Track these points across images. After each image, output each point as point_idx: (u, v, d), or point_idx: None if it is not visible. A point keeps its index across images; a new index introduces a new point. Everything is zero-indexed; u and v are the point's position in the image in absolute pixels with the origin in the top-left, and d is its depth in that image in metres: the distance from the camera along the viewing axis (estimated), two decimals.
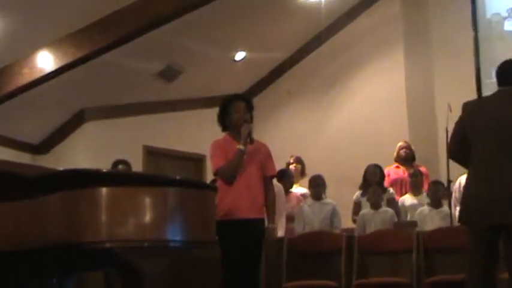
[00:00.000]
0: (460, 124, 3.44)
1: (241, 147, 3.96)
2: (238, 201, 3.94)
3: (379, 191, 5.87)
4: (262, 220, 4.07)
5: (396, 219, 5.75)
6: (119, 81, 7.18)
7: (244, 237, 3.93)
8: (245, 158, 3.99)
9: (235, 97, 4.19)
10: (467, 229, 3.32)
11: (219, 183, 4.02)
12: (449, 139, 3.57)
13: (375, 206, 5.81)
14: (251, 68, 8.31)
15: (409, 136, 7.27)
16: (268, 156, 4.18)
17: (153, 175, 3.70)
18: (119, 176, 3.10)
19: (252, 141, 4.00)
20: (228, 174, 3.97)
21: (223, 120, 4.15)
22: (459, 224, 3.53)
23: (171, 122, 8.08)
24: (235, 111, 4.09)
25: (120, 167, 5.76)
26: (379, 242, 5.21)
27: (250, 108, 4.16)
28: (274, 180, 5.89)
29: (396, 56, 7.72)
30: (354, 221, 6.12)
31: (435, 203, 5.71)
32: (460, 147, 3.42)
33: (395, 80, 7.64)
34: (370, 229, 5.65)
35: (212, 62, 7.71)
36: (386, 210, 5.80)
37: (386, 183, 6.36)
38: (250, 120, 4.11)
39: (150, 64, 7.28)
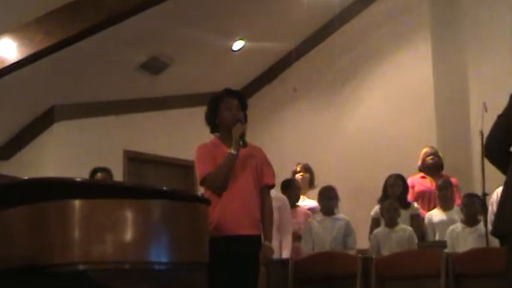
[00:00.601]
0: (505, 117, 3.23)
1: (232, 151, 3.95)
2: (228, 214, 3.93)
3: (395, 204, 5.86)
4: (258, 237, 4.05)
5: (416, 240, 5.74)
6: (95, 75, 7.17)
7: (237, 258, 3.92)
8: (237, 164, 3.98)
9: (226, 93, 4.18)
10: (506, 241, 3.21)
11: (206, 194, 4.00)
12: (485, 138, 3.45)
13: (391, 223, 5.81)
14: (251, 60, 8.30)
15: (437, 141, 7.27)
16: (264, 162, 4.18)
17: (135, 185, 3.69)
18: (95, 186, 3.10)
19: (245, 144, 3.99)
20: (217, 183, 3.95)
21: (213, 120, 4.14)
22: (497, 245, 3.48)
23: (156, 123, 8.08)
24: (226, 109, 4.08)
25: (99, 175, 5.76)
26: (401, 265, 5.18)
27: (243, 106, 4.15)
28: (279, 193, 6.00)
29: (422, 47, 7.72)
30: None
31: (470, 220, 5.69)
32: (501, 147, 3.28)
33: (421, 74, 7.64)
34: (385, 251, 5.65)
35: (205, 52, 7.71)
36: (404, 228, 5.79)
37: (410, 196, 6.35)
38: (244, 120, 4.10)
39: (133, 55, 7.27)
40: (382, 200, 6.18)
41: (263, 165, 4.13)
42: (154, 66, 7.53)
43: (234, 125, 3.99)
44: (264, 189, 4.13)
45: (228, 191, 3.96)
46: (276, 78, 8.77)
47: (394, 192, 6.13)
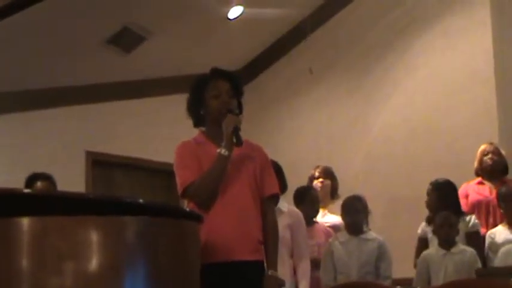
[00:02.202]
0: None
1: (222, 151, 3.94)
2: (220, 235, 3.91)
3: (453, 218, 5.86)
4: (260, 264, 4.05)
5: (480, 264, 5.73)
6: (47, 53, 7.17)
7: None
8: (229, 168, 3.97)
9: (213, 74, 4.16)
10: None
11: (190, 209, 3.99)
12: None
13: (446, 243, 5.80)
14: (252, 31, 8.31)
15: (499, 136, 7.28)
16: (266, 164, 4.17)
17: (101, 197, 3.67)
18: (49, 199, 3.07)
19: (239, 142, 3.98)
20: (202, 194, 3.95)
21: (196, 111, 4.14)
22: None
23: (129, 115, 8.10)
24: (214, 95, 4.07)
25: (39, 184, 5.76)
26: None
27: (237, 92, 4.15)
28: (291, 206, 6.00)
29: (479, 13, 7.74)
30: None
31: None
32: None
33: (477, 49, 7.67)
34: (438, 279, 5.63)
35: (192, 21, 7.73)
36: (464, 249, 5.80)
37: (463, 207, 6.34)
38: (239, 110, 4.09)
39: (97, 26, 7.28)
40: (430, 216, 6.18)
41: (264, 170, 4.13)
42: (125, 40, 7.55)
43: (224, 116, 3.97)
44: (266, 202, 4.12)
45: (218, 204, 3.96)
46: (285, 55, 8.80)
47: (429, 204, 6.14)
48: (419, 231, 6.24)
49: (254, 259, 4.00)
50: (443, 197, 6.18)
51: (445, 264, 5.73)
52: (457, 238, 5.96)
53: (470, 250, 5.81)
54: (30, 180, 5.83)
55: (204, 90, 4.09)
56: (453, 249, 5.79)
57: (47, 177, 5.86)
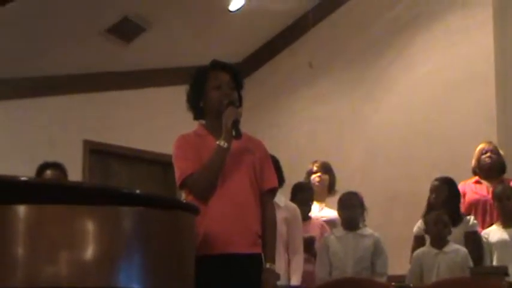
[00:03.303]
0: None
1: (221, 143, 3.94)
2: (217, 227, 3.91)
3: (445, 217, 5.87)
4: (259, 257, 4.05)
5: (471, 263, 5.74)
6: (46, 41, 7.16)
7: (230, 283, 3.91)
8: (228, 161, 3.97)
9: (214, 66, 4.15)
10: None
11: (187, 201, 3.98)
12: None
13: (439, 242, 5.81)
14: (253, 24, 8.30)
15: (498, 135, 7.28)
16: (265, 158, 4.17)
17: (98, 187, 3.67)
18: (45, 188, 3.07)
19: (238, 134, 3.98)
20: (202, 186, 3.94)
21: (196, 103, 4.13)
22: None
23: (127, 106, 8.09)
24: (215, 87, 4.06)
25: (49, 172, 5.75)
26: None
27: (238, 84, 4.15)
28: (287, 200, 6.00)
29: (481, 12, 7.74)
30: None
31: None
32: None
33: (478, 48, 7.66)
34: (430, 278, 5.65)
35: (193, 12, 7.72)
36: (456, 249, 5.80)
37: (462, 207, 6.34)
38: (239, 103, 4.09)
39: (97, 15, 7.26)
40: (427, 213, 6.18)
41: (263, 163, 4.13)
42: (125, 30, 7.54)
43: (224, 108, 3.98)
44: (265, 196, 4.13)
45: (217, 196, 3.95)
46: (285, 49, 8.79)
47: (437, 200, 6.12)
48: (414, 229, 6.23)
49: (252, 252, 4.00)
50: (453, 192, 6.19)
51: (438, 263, 5.73)
52: (456, 238, 5.96)
53: (462, 250, 5.80)
54: (41, 169, 5.80)
55: (205, 82, 4.08)
56: (445, 248, 5.79)
57: (57, 166, 5.83)
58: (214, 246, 3.88)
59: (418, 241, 6.14)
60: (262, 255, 4.05)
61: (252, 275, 3.97)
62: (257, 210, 4.05)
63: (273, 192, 4.21)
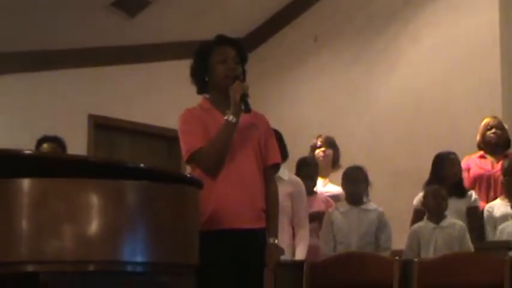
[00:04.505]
0: None
1: (230, 117, 3.92)
2: (225, 203, 3.92)
3: (443, 192, 5.87)
4: (263, 232, 4.06)
5: (468, 238, 5.75)
6: (50, 14, 7.14)
7: (236, 257, 3.93)
8: (235, 136, 3.96)
9: (219, 41, 4.14)
10: None
11: (194, 175, 3.98)
12: None
13: (437, 216, 5.81)
14: None
15: (503, 109, 7.26)
16: (269, 134, 4.17)
17: (103, 161, 3.68)
18: (49, 161, 3.08)
19: (248, 108, 3.97)
20: (211, 161, 3.94)
21: (201, 77, 4.12)
22: None
23: (132, 80, 8.07)
24: (220, 61, 4.05)
25: (45, 146, 5.74)
26: (451, 271, 5.21)
27: (242, 58, 4.14)
28: (293, 175, 6.00)
29: None
30: None
31: None
32: None
33: (483, 22, 7.62)
34: (428, 253, 5.68)
35: None
36: (453, 223, 5.80)
37: (465, 181, 6.35)
38: (243, 75, 4.08)
39: None
40: (428, 184, 6.19)
41: (268, 139, 4.13)
42: (129, 4, 7.50)
43: (230, 82, 3.97)
44: (269, 171, 4.14)
45: (224, 172, 3.95)
46: (290, 23, 8.75)
47: (454, 174, 6.12)
48: (414, 202, 6.23)
49: (257, 227, 4.01)
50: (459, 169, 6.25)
51: (435, 237, 5.74)
52: (452, 213, 5.97)
53: (459, 224, 5.80)
54: (39, 143, 5.80)
55: (209, 56, 4.07)
56: (442, 223, 5.80)
57: (54, 140, 5.81)
58: (221, 222, 3.90)
59: (418, 215, 6.15)
60: (266, 229, 4.06)
61: (257, 250, 4.00)
62: (262, 185, 4.06)
63: (276, 167, 4.21)
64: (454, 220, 5.84)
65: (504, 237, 5.69)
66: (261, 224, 4.04)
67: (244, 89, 3.95)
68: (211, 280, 3.82)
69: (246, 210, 3.96)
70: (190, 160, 4.01)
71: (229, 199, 3.92)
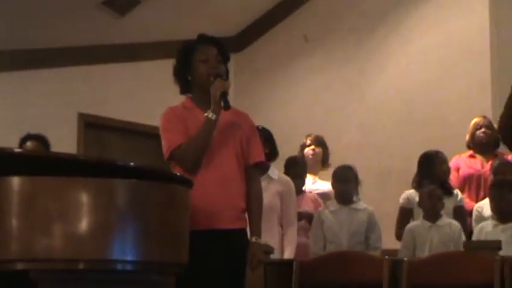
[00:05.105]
0: None
1: (210, 114, 3.92)
2: (204, 202, 3.87)
3: (439, 191, 5.88)
4: (243, 232, 4.05)
5: (463, 237, 5.77)
6: (40, 13, 7.12)
7: (216, 258, 3.91)
8: (216, 135, 3.95)
9: (200, 40, 4.14)
10: None
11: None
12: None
13: (433, 215, 5.82)
14: None
15: (492, 109, 7.26)
16: (252, 132, 4.15)
17: (93, 159, 3.66)
18: (39, 160, 3.07)
19: (227, 105, 3.97)
20: (189, 158, 3.92)
21: (183, 76, 4.13)
22: None
23: (121, 78, 8.06)
24: (202, 61, 4.05)
25: (29, 144, 5.73)
26: (440, 271, 5.20)
27: (224, 56, 4.13)
28: (281, 173, 6.00)
29: None
30: (400, 237, 6.14)
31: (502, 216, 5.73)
32: None
33: (473, 22, 7.64)
34: (423, 252, 5.68)
35: None
36: (449, 223, 5.82)
37: (454, 181, 6.35)
38: (226, 75, 4.08)
39: None
40: (417, 184, 6.19)
41: (250, 137, 4.11)
42: (119, 3, 7.49)
43: (212, 81, 3.97)
44: (251, 170, 4.11)
45: (203, 170, 3.93)
46: (279, 22, 8.75)
47: (444, 173, 6.13)
48: (401, 201, 6.24)
49: (237, 227, 4.00)
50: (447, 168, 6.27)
51: (431, 237, 5.75)
52: (449, 211, 5.99)
53: (455, 223, 5.82)
54: (23, 141, 5.79)
55: (191, 55, 4.08)
56: (438, 222, 5.81)
57: (38, 138, 5.80)
58: (199, 222, 3.82)
59: (404, 214, 6.18)
60: (248, 229, 4.05)
61: (238, 250, 3.98)
62: (242, 185, 4.04)
63: (259, 166, 4.18)
64: (449, 220, 5.85)
65: (482, 237, 5.68)
66: (242, 225, 4.03)
67: (225, 86, 3.95)
68: (191, 281, 3.77)
69: (225, 210, 3.94)
70: (171, 158, 4.00)
71: (208, 198, 3.89)
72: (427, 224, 5.81)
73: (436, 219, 5.81)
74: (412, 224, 5.91)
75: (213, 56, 4.05)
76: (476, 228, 5.84)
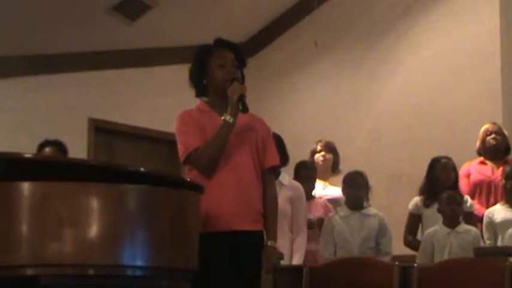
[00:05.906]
0: None
1: (227, 117, 3.92)
2: (222, 204, 3.90)
3: (458, 197, 5.86)
4: (260, 235, 4.05)
5: (482, 244, 5.76)
6: (51, 18, 7.14)
7: (233, 259, 3.91)
8: (232, 138, 3.95)
9: (217, 44, 4.14)
10: None
11: (189, 176, 3.96)
12: None
13: (452, 221, 5.80)
14: (258, 2, 8.27)
15: (503, 115, 7.26)
16: (268, 137, 4.16)
17: (103, 164, 3.67)
18: (50, 165, 3.07)
19: (246, 109, 3.97)
20: (206, 160, 3.93)
21: (199, 80, 4.12)
22: None
23: (132, 84, 8.08)
24: (218, 65, 4.05)
25: (47, 150, 5.74)
26: (450, 276, 5.19)
27: (241, 61, 4.13)
28: (291, 179, 5.99)
29: None
30: (409, 243, 6.17)
31: None
32: None
33: (484, 28, 7.62)
34: (442, 257, 5.65)
35: None
36: (468, 229, 5.79)
37: (464, 187, 6.34)
38: (242, 79, 4.07)
39: None
40: (425, 190, 6.18)
41: (266, 142, 4.12)
42: (131, 8, 7.50)
43: (228, 86, 3.96)
44: (267, 174, 4.12)
45: (220, 173, 3.94)
46: (290, 28, 8.75)
47: (447, 178, 6.12)
48: (410, 206, 6.21)
49: (254, 229, 4.00)
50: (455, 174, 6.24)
51: (450, 242, 5.71)
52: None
53: (474, 230, 5.79)
54: (41, 147, 5.79)
55: (208, 60, 4.06)
56: (458, 228, 5.78)
57: (56, 144, 5.80)
58: (216, 224, 3.87)
59: (413, 220, 6.17)
60: (264, 232, 4.04)
61: (254, 252, 3.98)
62: (259, 187, 4.04)
63: (274, 170, 4.20)
64: (469, 226, 5.82)
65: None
66: (259, 227, 4.02)
67: (242, 90, 3.95)
68: (208, 282, 3.80)
69: (242, 211, 3.94)
70: (187, 161, 4.00)
71: (225, 200, 3.90)
72: (446, 229, 5.77)
73: (455, 225, 5.78)
74: (431, 229, 5.86)
75: (230, 61, 4.05)
76: (507, 233, 5.80)
